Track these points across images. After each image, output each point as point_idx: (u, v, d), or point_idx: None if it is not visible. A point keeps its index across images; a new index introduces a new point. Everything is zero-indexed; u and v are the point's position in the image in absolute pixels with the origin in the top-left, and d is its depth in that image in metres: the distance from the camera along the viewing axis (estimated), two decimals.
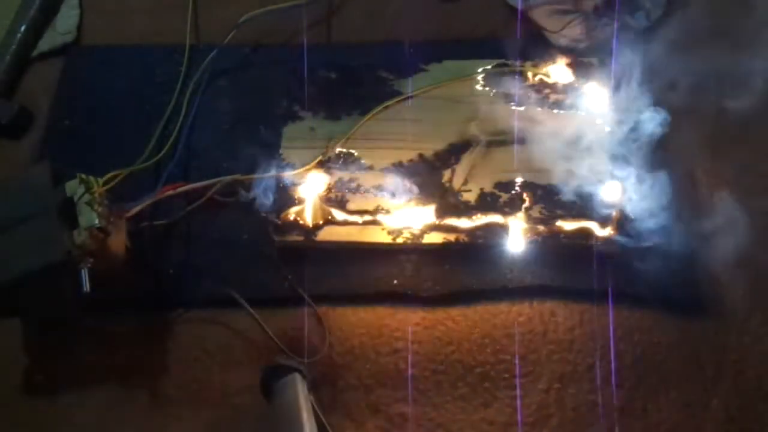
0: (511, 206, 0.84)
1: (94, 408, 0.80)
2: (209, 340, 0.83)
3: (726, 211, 0.83)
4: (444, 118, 0.93)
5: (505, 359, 0.79)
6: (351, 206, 0.86)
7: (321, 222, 0.86)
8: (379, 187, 0.87)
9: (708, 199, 0.87)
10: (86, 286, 0.73)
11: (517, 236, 0.84)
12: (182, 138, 0.94)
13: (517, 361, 0.79)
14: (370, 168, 0.89)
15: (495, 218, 0.84)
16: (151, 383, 0.81)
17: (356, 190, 0.87)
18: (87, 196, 0.77)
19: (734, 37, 0.93)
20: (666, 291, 0.81)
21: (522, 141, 0.89)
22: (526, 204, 0.84)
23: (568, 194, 0.84)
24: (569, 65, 0.95)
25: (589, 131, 0.88)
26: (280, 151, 0.91)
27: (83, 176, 0.78)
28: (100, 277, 0.75)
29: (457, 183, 0.87)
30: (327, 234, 0.85)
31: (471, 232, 0.84)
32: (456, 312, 0.83)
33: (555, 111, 0.92)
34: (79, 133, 0.98)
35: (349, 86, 0.96)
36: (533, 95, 0.93)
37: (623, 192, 0.85)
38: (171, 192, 0.87)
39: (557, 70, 0.95)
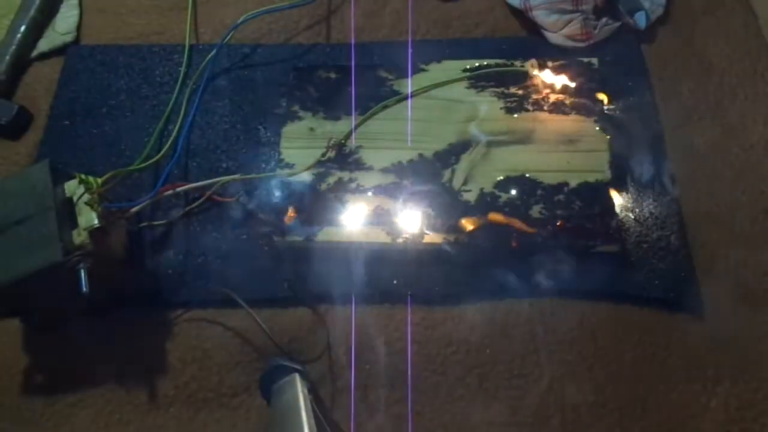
0: (510, 206, 0.84)
1: (93, 408, 0.80)
2: (209, 340, 0.83)
3: None
4: (444, 118, 0.93)
5: (504, 360, 0.79)
6: (351, 206, 0.86)
7: (321, 222, 0.86)
8: (379, 188, 0.87)
9: None
10: (85, 286, 0.73)
11: (516, 236, 0.83)
12: (182, 138, 0.94)
13: (517, 362, 0.79)
14: (370, 168, 0.89)
15: (494, 218, 0.84)
16: (151, 383, 0.81)
17: (356, 191, 0.87)
18: (87, 196, 0.76)
19: None
20: (664, 290, 0.81)
21: (522, 141, 0.89)
22: (526, 204, 0.84)
23: (567, 194, 0.84)
24: (569, 65, 0.95)
25: (589, 131, 0.89)
26: (280, 151, 0.91)
27: (83, 176, 0.78)
28: (99, 277, 0.74)
29: (457, 183, 0.87)
30: (327, 234, 0.85)
31: (471, 232, 0.84)
32: (456, 312, 0.83)
33: (554, 111, 0.92)
34: (79, 133, 0.98)
35: (349, 86, 0.96)
36: (533, 95, 0.93)
37: (622, 192, 0.86)
38: (171, 192, 0.87)
39: (557, 70, 0.95)
